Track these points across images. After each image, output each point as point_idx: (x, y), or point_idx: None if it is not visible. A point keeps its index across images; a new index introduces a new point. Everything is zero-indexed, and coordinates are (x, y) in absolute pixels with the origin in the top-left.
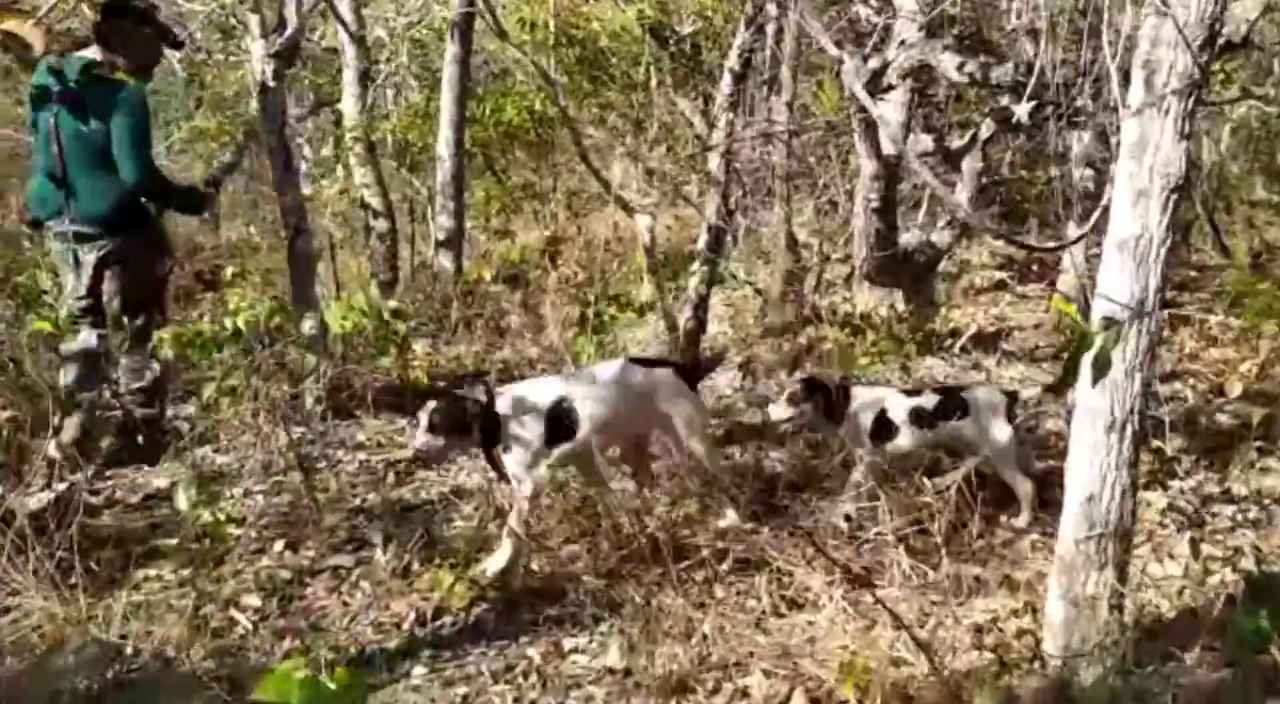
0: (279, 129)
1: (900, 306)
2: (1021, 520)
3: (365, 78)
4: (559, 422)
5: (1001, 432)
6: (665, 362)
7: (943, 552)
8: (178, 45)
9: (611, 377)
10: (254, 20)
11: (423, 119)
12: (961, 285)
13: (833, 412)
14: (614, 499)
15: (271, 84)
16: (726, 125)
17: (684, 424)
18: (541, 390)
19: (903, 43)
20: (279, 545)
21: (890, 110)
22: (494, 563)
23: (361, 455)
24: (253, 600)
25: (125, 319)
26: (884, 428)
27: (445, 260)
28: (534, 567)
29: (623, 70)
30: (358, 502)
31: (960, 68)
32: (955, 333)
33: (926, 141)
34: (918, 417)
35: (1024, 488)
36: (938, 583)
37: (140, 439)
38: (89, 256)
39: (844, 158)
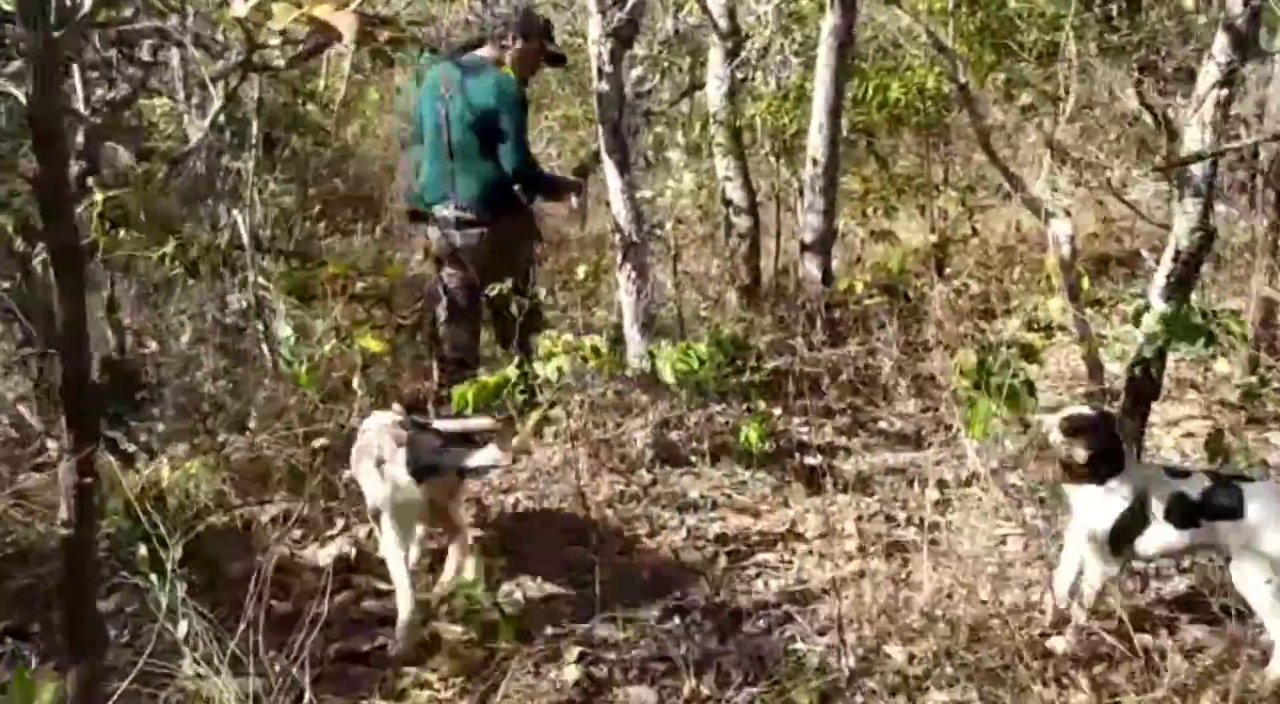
0: (615, 122)
1: None
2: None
3: (732, 56)
4: None
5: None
6: None
7: None
8: (559, 64)
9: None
10: None
11: (795, 102)
12: None
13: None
14: None
15: (608, 68)
16: (1218, 107)
17: None
18: None
19: None
20: (573, 655)
21: None
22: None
23: (691, 519)
24: None
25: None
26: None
27: (812, 266)
28: None
29: (1034, 38)
30: (676, 593)
31: None
32: None
33: None
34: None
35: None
36: None
37: None
38: (467, 242)
39: None
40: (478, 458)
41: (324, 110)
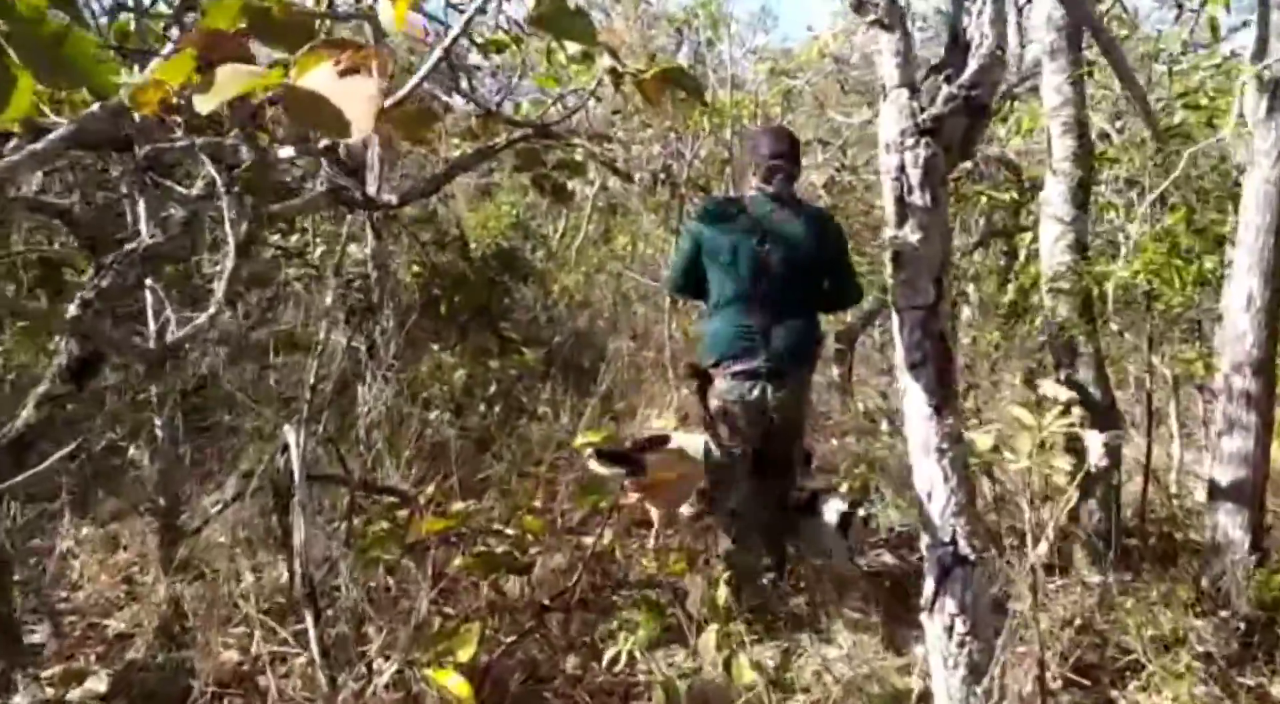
0: (929, 309)
1: None
2: None
3: (1084, 190)
4: None
5: None
6: None
7: None
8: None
9: None
10: (887, 50)
11: (1185, 258)
12: None
13: None
14: None
15: (919, 199)
16: None
17: None
18: None
19: None
20: None
21: None
22: None
23: None
24: None
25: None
26: None
27: (1229, 521)
28: None
29: None
30: None
31: None
32: None
33: None
34: None
35: None
36: None
37: None
38: (774, 398)
39: None
40: None
41: (551, 258)
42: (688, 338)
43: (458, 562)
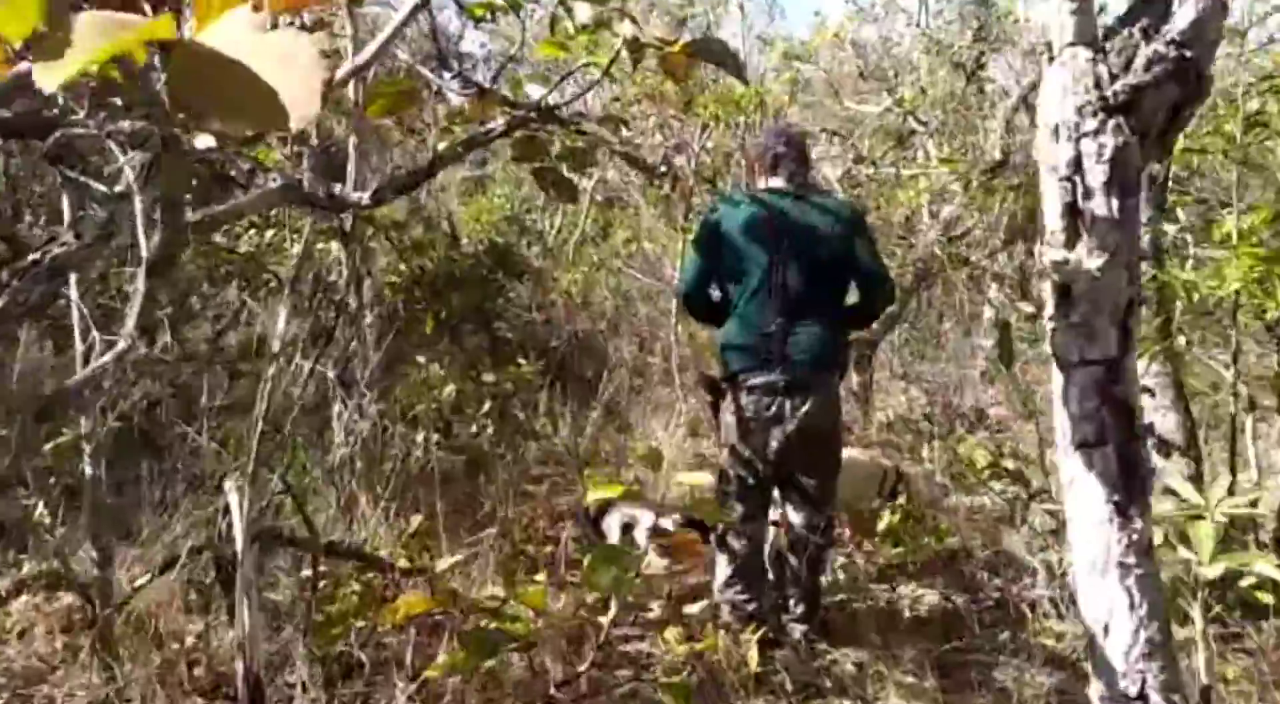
0: (1113, 365)
1: None
2: None
3: (1161, 188)
4: None
5: None
6: None
7: None
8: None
9: None
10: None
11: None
12: None
13: None
14: None
15: (1106, 209)
16: None
17: None
18: None
19: None
20: None
21: None
22: None
23: None
24: None
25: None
26: None
27: None
28: None
29: None
30: None
31: None
32: None
33: None
34: None
35: None
36: None
37: None
38: (795, 412)
39: None
40: None
41: (548, 254)
42: (695, 342)
43: (443, 658)
